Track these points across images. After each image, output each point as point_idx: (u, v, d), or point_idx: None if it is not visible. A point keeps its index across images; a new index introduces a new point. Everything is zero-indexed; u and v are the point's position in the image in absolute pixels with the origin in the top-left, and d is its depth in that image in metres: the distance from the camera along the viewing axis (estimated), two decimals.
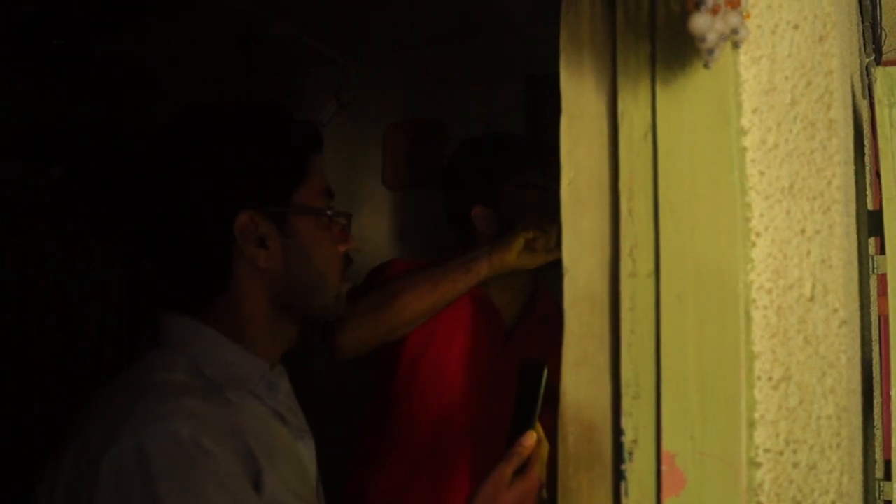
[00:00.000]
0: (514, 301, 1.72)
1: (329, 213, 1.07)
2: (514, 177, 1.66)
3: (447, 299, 1.55)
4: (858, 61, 1.05)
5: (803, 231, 0.64)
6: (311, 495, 1.05)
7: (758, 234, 0.64)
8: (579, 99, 0.71)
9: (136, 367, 0.99)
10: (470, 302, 1.66)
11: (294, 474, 1.00)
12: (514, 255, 1.52)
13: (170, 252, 1.03)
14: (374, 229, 2.71)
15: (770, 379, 0.63)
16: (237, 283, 1.02)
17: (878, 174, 1.09)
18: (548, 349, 1.66)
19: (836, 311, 0.63)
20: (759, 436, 0.63)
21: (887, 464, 1.14)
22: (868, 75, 1.15)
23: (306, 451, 1.07)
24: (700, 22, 0.57)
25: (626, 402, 0.66)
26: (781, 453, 0.63)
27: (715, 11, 0.58)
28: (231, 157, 1.01)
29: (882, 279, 1.05)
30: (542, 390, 1.03)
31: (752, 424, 0.63)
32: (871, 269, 1.06)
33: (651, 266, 0.66)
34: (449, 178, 1.79)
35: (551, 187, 1.71)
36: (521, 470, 1.01)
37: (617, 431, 0.67)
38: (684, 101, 0.65)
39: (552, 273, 1.61)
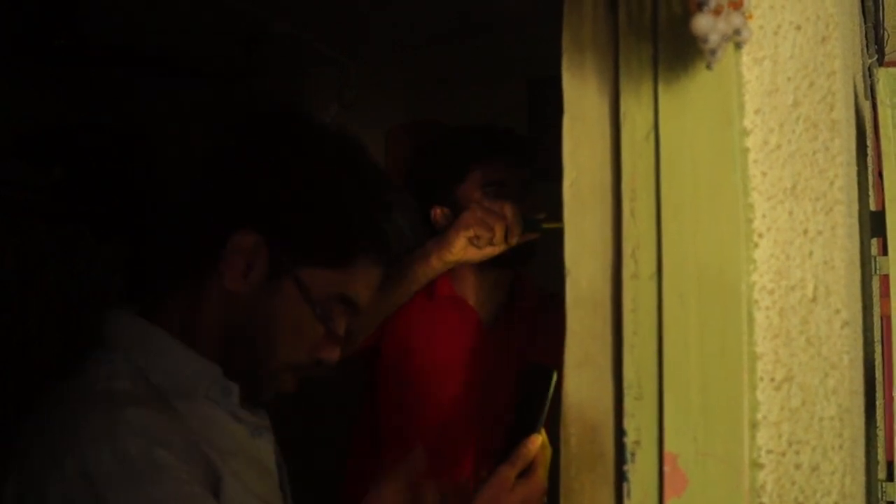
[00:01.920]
0: (490, 297, 1.71)
1: (318, 313, 0.95)
2: (467, 176, 1.63)
3: (387, 311, 1.52)
4: (861, 62, 1.05)
5: (806, 232, 0.64)
6: (274, 494, 1.02)
7: (760, 235, 0.64)
8: (581, 100, 0.71)
9: (77, 377, 0.92)
10: (441, 303, 1.66)
11: (255, 475, 0.97)
12: (455, 252, 1.47)
13: (162, 234, 0.97)
14: None
15: (772, 380, 0.63)
16: (209, 285, 0.95)
17: (880, 175, 1.09)
18: (531, 341, 1.66)
19: (838, 312, 0.63)
20: (762, 437, 0.62)
21: (890, 465, 1.14)
22: (870, 76, 1.15)
23: (265, 448, 1.02)
24: (702, 23, 0.57)
25: (628, 404, 0.66)
26: (784, 454, 0.63)
27: (717, 12, 0.58)
28: (289, 191, 0.93)
29: (884, 280, 1.05)
30: (549, 395, 1.02)
31: (754, 425, 0.63)
32: (873, 271, 1.06)
33: (653, 267, 0.66)
34: (410, 181, 1.78)
35: (510, 182, 1.68)
36: (525, 474, 1.00)
37: (619, 432, 0.67)
38: (687, 103, 0.65)
39: (534, 264, 1.61)
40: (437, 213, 1.66)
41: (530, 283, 1.76)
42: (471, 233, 1.46)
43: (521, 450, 1.00)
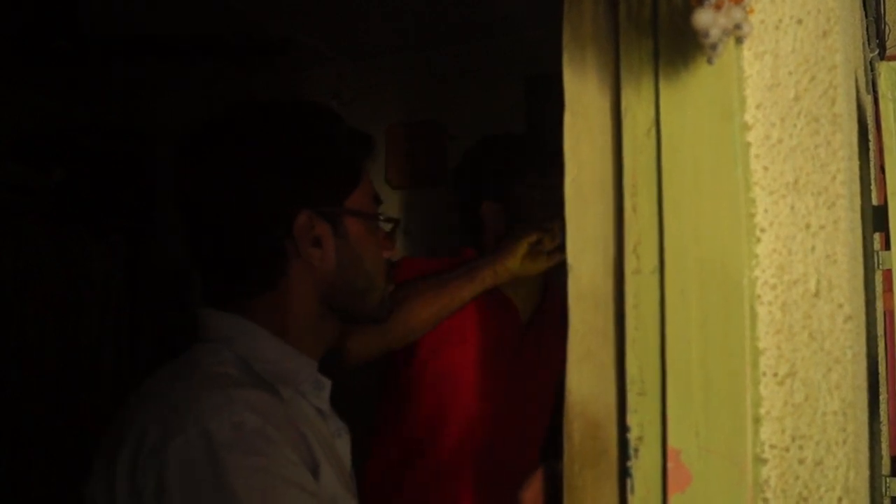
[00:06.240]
0: (528, 297, 1.74)
1: (380, 217, 1.12)
2: (524, 176, 1.68)
3: (452, 307, 1.56)
4: (862, 56, 1.04)
5: (808, 226, 0.64)
6: (350, 494, 1.06)
7: (762, 230, 0.64)
8: (582, 96, 0.71)
9: (183, 361, 0.99)
10: (485, 298, 1.67)
11: (336, 472, 1.02)
12: (517, 260, 1.54)
13: (220, 250, 1.03)
14: None
15: (775, 375, 0.63)
16: (289, 282, 1.03)
17: (882, 169, 1.09)
18: (560, 343, 1.66)
19: (841, 306, 0.63)
20: (765, 432, 0.62)
21: (893, 460, 1.14)
22: (872, 70, 1.15)
23: (344, 449, 1.09)
24: (703, 17, 0.57)
25: (631, 399, 0.66)
26: (787, 449, 0.63)
27: (718, 7, 0.57)
28: (293, 159, 1.03)
29: (887, 275, 1.04)
30: None
31: (757, 420, 0.62)
32: (876, 265, 1.06)
33: (655, 262, 0.65)
34: (462, 174, 1.81)
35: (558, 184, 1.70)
36: None
37: (622, 428, 0.67)
38: (687, 97, 0.65)
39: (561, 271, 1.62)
40: (487, 206, 1.72)
41: (558, 285, 1.77)
42: (533, 237, 1.54)
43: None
